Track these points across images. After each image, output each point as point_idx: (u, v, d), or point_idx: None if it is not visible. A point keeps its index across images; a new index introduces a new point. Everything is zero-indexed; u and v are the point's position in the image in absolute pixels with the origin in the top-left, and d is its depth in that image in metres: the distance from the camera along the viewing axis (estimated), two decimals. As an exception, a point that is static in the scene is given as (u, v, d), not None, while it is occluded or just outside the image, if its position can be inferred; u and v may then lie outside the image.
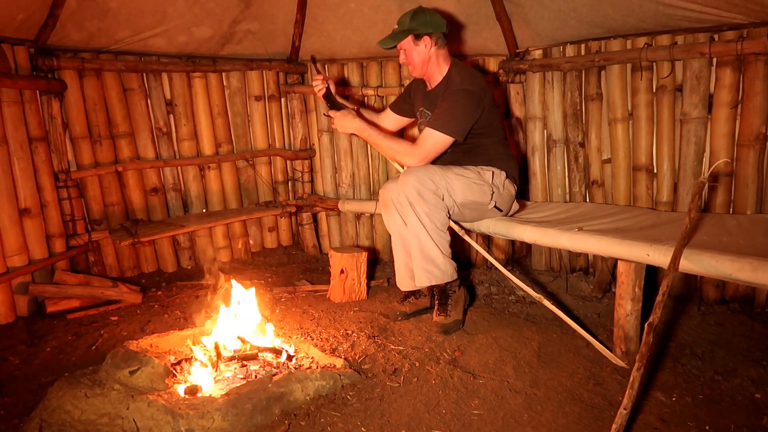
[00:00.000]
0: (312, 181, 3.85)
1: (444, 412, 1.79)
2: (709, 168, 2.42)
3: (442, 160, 2.50)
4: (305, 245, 3.91)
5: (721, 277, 1.80)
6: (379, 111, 3.05)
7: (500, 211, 2.58)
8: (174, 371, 1.97)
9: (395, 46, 2.52)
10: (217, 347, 2.04)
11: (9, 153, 2.72)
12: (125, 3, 2.90)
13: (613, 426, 1.53)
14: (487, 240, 3.49)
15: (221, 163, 3.64)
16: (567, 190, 3.24)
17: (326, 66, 3.66)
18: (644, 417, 1.73)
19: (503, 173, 2.55)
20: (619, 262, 2.11)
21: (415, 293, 2.66)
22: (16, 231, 2.75)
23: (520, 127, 3.40)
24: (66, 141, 3.07)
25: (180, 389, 1.83)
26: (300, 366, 2.05)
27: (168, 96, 3.43)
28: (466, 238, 2.55)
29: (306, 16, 3.40)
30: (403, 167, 2.56)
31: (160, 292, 3.13)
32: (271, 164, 3.86)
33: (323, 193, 3.83)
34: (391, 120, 2.92)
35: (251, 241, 3.84)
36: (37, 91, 2.90)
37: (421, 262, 2.39)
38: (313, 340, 2.38)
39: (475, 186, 2.45)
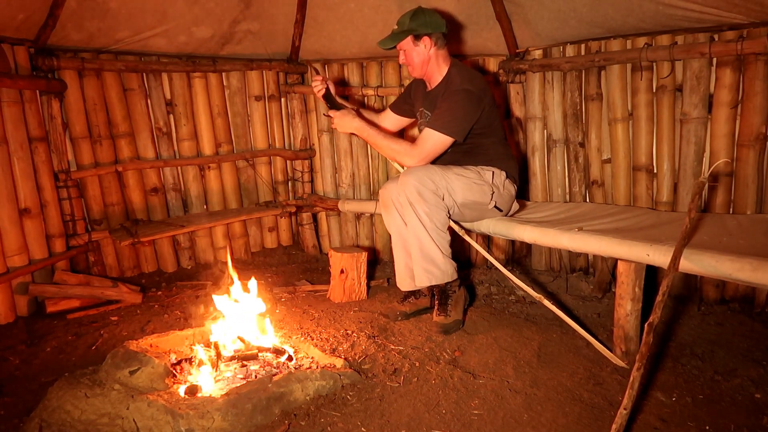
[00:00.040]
0: (312, 181, 3.85)
1: (444, 412, 1.79)
2: (709, 168, 2.43)
3: (442, 160, 2.50)
4: (305, 245, 3.91)
5: (721, 277, 1.81)
6: (379, 111, 3.05)
7: (500, 211, 2.58)
8: (174, 371, 1.97)
9: (395, 47, 2.51)
10: (217, 347, 2.04)
11: (9, 153, 2.72)
12: (125, 3, 2.90)
13: (613, 426, 1.53)
14: (487, 240, 3.49)
15: (221, 163, 3.64)
16: (567, 190, 3.24)
17: (326, 66, 3.66)
18: (644, 417, 1.73)
19: (503, 173, 2.55)
20: (619, 262, 2.11)
21: (415, 293, 2.66)
22: (16, 231, 2.75)
23: (520, 127, 3.40)
24: (66, 141, 3.07)
25: (180, 389, 1.84)
26: (300, 366, 2.05)
27: (168, 96, 3.43)
28: (466, 238, 2.55)
29: (306, 16, 3.40)
30: (403, 167, 2.56)
31: (160, 292, 3.13)
32: (271, 164, 3.86)
33: (323, 193, 3.83)
34: (391, 120, 2.92)
35: (251, 241, 3.84)
36: (37, 91, 2.90)
37: (421, 262, 2.39)
38: (313, 340, 2.38)
39: (476, 186, 2.45)
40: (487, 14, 3.17)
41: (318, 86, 2.65)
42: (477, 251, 3.15)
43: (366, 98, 3.62)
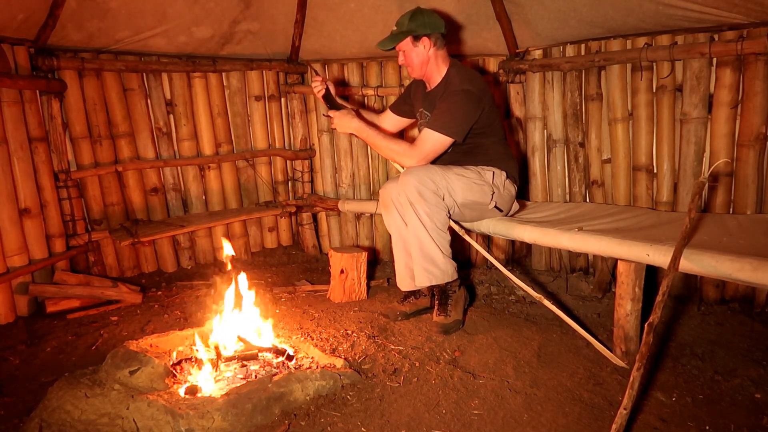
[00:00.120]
0: (312, 181, 3.85)
1: (444, 412, 1.79)
2: (709, 168, 2.43)
3: (442, 160, 2.50)
4: (305, 245, 3.91)
5: (721, 277, 1.81)
6: (379, 112, 3.05)
7: (500, 211, 2.58)
8: (174, 371, 1.97)
9: (394, 48, 2.51)
10: (217, 347, 2.04)
11: (9, 153, 2.72)
12: (125, 3, 2.90)
13: (613, 426, 1.53)
14: (487, 240, 3.49)
15: (221, 163, 3.64)
16: (567, 190, 3.24)
17: (326, 66, 3.66)
18: (644, 417, 1.73)
19: (503, 173, 2.55)
20: (619, 262, 2.11)
21: (415, 293, 2.66)
22: (16, 231, 2.75)
23: (520, 127, 3.40)
24: (66, 141, 3.07)
25: (180, 389, 1.83)
26: (300, 366, 2.05)
27: (168, 96, 3.43)
28: (467, 238, 2.55)
29: (306, 16, 3.40)
30: (402, 167, 2.56)
31: (160, 292, 3.12)
32: (271, 164, 3.86)
33: (323, 193, 3.83)
34: (391, 121, 2.92)
35: (251, 241, 3.84)
36: (37, 91, 2.90)
37: (421, 262, 2.39)
38: (313, 340, 2.38)
39: (476, 186, 2.45)
40: (487, 14, 3.17)
41: (318, 87, 2.65)
42: (477, 251, 3.15)
43: (366, 98, 3.62)
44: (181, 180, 3.56)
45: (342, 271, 2.86)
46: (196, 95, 3.49)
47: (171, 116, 3.46)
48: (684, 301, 2.69)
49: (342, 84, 3.60)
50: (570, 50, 3.09)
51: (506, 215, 2.65)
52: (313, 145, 3.81)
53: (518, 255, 3.52)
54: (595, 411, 1.77)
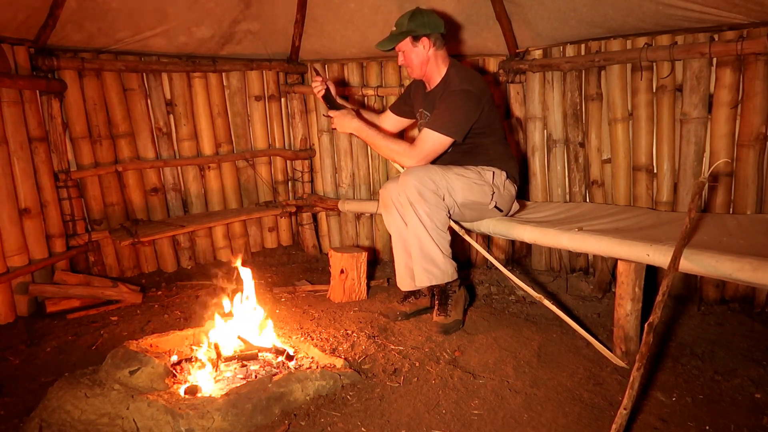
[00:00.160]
0: (312, 181, 3.85)
1: (444, 412, 1.79)
2: (709, 168, 2.43)
3: (442, 160, 2.50)
4: (305, 245, 3.91)
5: (721, 277, 1.81)
6: (379, 112, 3.05)
7: (500, 211, 2.58)
8: (174, 371, 1.97)
9: (393, 49, 2.51)
10: (217, 347, 2.04)
11: (9, 153, 2.72)
12: (125, 3, 2.90)
13: (613, 426, 1.53)
14: (487, 240, 3.49)
15: (221, 163, 3.64)
16: (567, 190, 3.24)
17: (326, 66, 3.66)
18: (644, 417, 1.73)
19: (504, 173, 2.55)
20: (619, 262, 2.11)
21: (415, 293, 2.66)
22: (16, 231, 2.75)
23: (520, 127, 3.40)
24: (66, 141, 3.07)
25: (180, 389, 1.83)
26: (300, 366, 2.05)
27: (168, 96, 3.43)
28: (467, 238, 2.55)
29: (306, 16, 3.40)
30: (402, 167, 2.56)
31: (160, 292, 3.12)
32: (271, 164, 3.86)
33: (323, 193, 3.83)
34: (391, 121, 2.92)
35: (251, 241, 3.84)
36: (37, 91, 2.90)
37: (421, 262, 2.39)
38: (313, 340, 2.38)
39: (476, 186, 2.45)
40: (487, 14, 3.16)
41: (318, 87, 2.65)
42: (477, 251, 3.15)
43: (366, 98, 3.62)
44: (181, 180, 3.56)
45: (342, 271, 2.86)
46: (196, 95, 3.49)
47: (171, 116, 3.46)
48: (684, 301, 2.69)
49: (342, 84, 3.60)
50: (570, 50, 3.09)
51: (506, 215, 2.65)
52: (313, 145, 3.81)
53: (518, 255, 3.52)
54: (595, 411, 1.77)
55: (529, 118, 3.31)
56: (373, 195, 3.73)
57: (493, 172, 2.52)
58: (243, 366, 2.03)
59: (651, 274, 2.38)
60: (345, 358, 2.13)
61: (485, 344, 2.27)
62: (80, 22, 2.90)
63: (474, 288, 3.04)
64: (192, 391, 1.81)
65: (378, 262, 3.67)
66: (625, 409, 1.54)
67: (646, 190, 2.89)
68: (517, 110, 3.38)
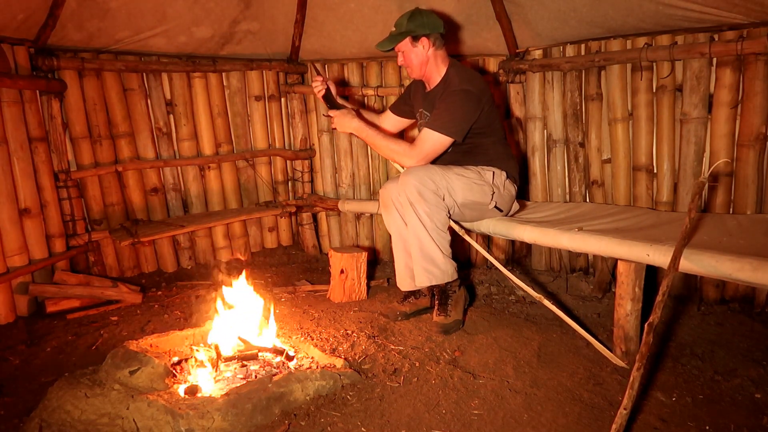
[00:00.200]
0: (312, 181, 3.85)
1: (444, 412, 1.79)
2: (709, 168, 2.43)
3: (442, 160, 2.50)
4: (305, 245, 3.91)
5: (721, 277, 1.81)
6: (379, 112, 3.05)
7: (500, 211, 2.58)
8: (174, 371, 1.97)
9: (393, 49, 2.51)
10: (217, 347, 2.04)
11: (9, 153, 2.72)
12: (125, 3, 2.90)
13: (613, 426, 1.53)
14: (487, 240, 3.49)
15: (221, 163, 3.64)
16: (567, 190, 3.24)
17: (326, 66, 3.66)
18: (644, 417, 1.73)
19: (504, 173, 2.55)
20: (619, 262, 2.11)
21: (415, 293, 2.66)
22: (16, 231, 2.75)
23: (520, 127, 3.40)
24: (66, 141, 3.07)
25: (180, 389, 1.83)
26: (300, 366, 2.05)
27: (168, 96, 3.43)
28: (467, 238, 2.55)
29: (306, 16, 3.40)
30: (402, 167, 2.56)
31: (160, 292, 3.13)
32: (271, 164, 3.86)
33: (323, 193, 3.83)
34: (391, 121, 2.92)
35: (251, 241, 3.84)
36: (37, 91, 2.90)
37: (421, 262, 2.39)
38: (313, 340, 2.38)
39: (476, 186, 2.45)
40: (487, 14, 3.16)
41: (318, 86, 2.65)
42: (477, 251, 3.15)
43: (366, 98, 3.62)
44: (181, 180, 3.56)
45: (342, 271, 2.86)
46: (196, 95, 3.49)
47: (171, 116, 3.46)
48: (684, 301, 2.69)
49: (342, 84, 3.60)
50: (570, 50, 3.09)
51: (506, 215, 2.65)
52: (313, 145, 3.81)
53: (518, 255, 3.52)
54: (595, 411, 1.77)
55: (529, 118, 3.31)
56: (373, 195, 3.73)
57: (493, 172, 2.52)
58: (243, 366, 2.03)
59: (651, 274, 2.38)
60: (345, 358, 2.13)
61: (485, 344, 2.27)
62: (80, 22, 2.90)
63: (474, 288, 3.04)
64: (192, 391, 1.81)
65: (378, 262, 3.67)
66: (625, 409, 1.54)
67: (646, 190, 2.89)
68: (517, 110, 3.38)
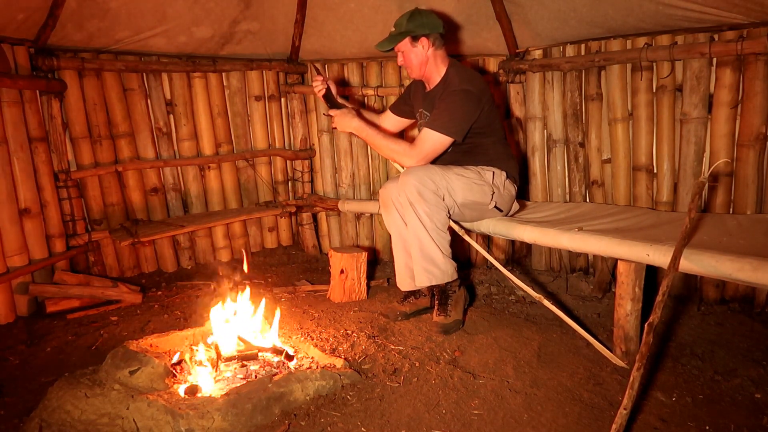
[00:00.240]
0: (312, 181, 3.85)
1: (444, 412, 1.79)
2: (709, 168, 2.43)
3: (442, 160, 2.50)
4: (305, 245, 3.91)
5: (721, 277, 1.80)
6: (379, 112, 3.05)
7: (500, 211, 2.58)
8: (174, 371, 1.97)
9: (393, 49, 2.51)
10: (217, 347, 2.04)
11: (9, 153, 2.72)
12: (125, 3, 2.90)
13: (613, 426, 1.53)
14: (487, 240, 3.49)
15: (221, 163, 3.64)
16: (567, 190, 3.24)
17: (326, 66, 3.66)
18: (644, 417, 1.73)
19: (503, 173, 2.55)
20: (619, 262, 2.11)
21: (415, 293, 2.66)
22: (16, 231, 2.75)
23: (520, 127, 3.40)
24: (66, 141, 3.07)
25: (180, 389, 1.83)
26: (300, 366, 2.05)
27: (168, 96, 3.43)
28: (466, 238, 2.55)
29: (306, 16, 3.40)
30: (402, 167, 2.56)
31: (160, 292, 3.13)
32: (271, 164, 3.86)
33: (323, 193, 3.83)
34: (391, 121, 2.92)
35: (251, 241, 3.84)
36: (37, 91, 2.90)
37: (421, 262, 2.39)
38: (313, 340, 2.38)
39: (476, 186, 2.45)
40: (487, 14, 3.17)
41: (319, 86, 2.65)
42: (477, 251, 3.15)
43: (366, 98, 3.62)
44: (181, 180, 3.56)
45: (342, 271, 2.86)
46: (196, 95, 3.49)
47: (171, 116, 3.46)
48: (684, 301, 2.69)
49: (342, 84, 3.60)
50: (570, 50, 3.09)
51: (506, 215, 2.65)
52: (313, 145, 3.81)
53: (518, 255, 3.52)
54: (595, 411, 1.77)
55: (529, 118, 3.31)
56: (373, 195, 3.73)
57: (493, 172, 2.52)
58: (243, 366, 2.03)
59: (651, 274, 2.38)
60: (345, 358, 2.13)
61: (485, 344, 2.27)
62: (80, 22, 2.90)
63: (474, 288, 3.04)
64: (192, 391, 1.81)
65: (378, 262, 3.67)
66: (625, 409, 1.54)
67: (646, 190, 2.89)
68: (517, 110, 3.38)
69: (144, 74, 3.32)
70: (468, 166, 2.50)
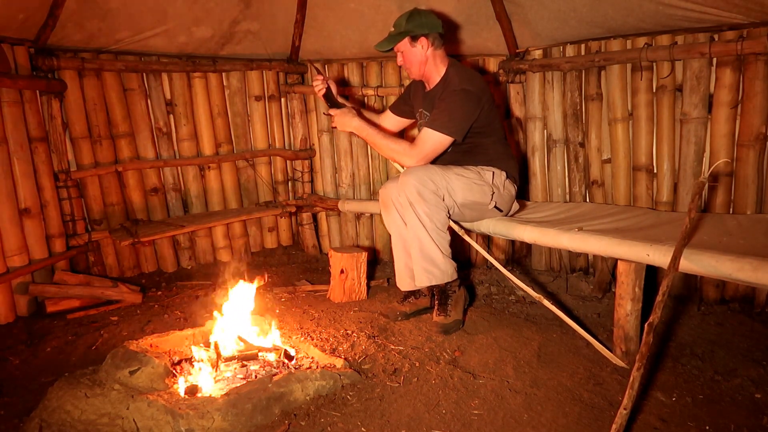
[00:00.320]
0: (312, 181, 3.85)
1: (444, 412, 1.79)
2: (709, 168, 2.42)
3: (441, 160, 2.50)
4: (305, 245, 3.91)
5: (721, 277, 1.80)
6: (379, 112, 3.05)
7: (500, 211, 2.58)
8: (174, 371, 1.97)
9: (392, 49, 2.52)
10: (217, 347, 2.04)
11: (9, 153, 2.72)
12: (125, 3, 2.90)
13: (613, 426, 1.53)
14: (487, 240, 3.49)
15: (221, 163, 3.64)
16: (567, 190, 3.24)
17: (326, 66, 3.66)
18: (644, 417, 1.73)
19: (503, 173, 2.55)
20: (619, 262, 2.11)
21: (415, 293, 2.66)
22: (16, 231, 2.75)
23: (520, 127, 3.40)
24: (66, 141, 3.07)
25: (180, 389, 1.83)
26: (300, 366, 2.05)
27: (168, 96, 3.43)
28: (466, 238, 2.55)
29: (306, 16, 3.40)
30: (402, 167, 2.56)
31: (160, 292, 3.12)
32: (271, 164, 3.85)
33: (323, 193, 3.83)
34: (391, 121, 2.92)
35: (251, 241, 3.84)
36: (37, 91, 2.90)
37: (421, 262, 2.39)
38: (313, 340, 2.38)
39: (476, 186, 2.45)
40: (487, 14, 3.17)
41: (319, 85, 2.65)
42: (477, 251, 3.15)
43: (366, 98, 3.62)
44: (181, 180, 3.56)
45: (342, 271, 2.86)
46: (196, 95, 3.49)
47: (171, 116, 3.46)
48: (684, 301, 2.69)
49: (342, 84, 3.60)
50: (570, 50, 3.09)
51: (506, 215, 2.65)
52: (313, 145, 3.81)
53: (518, 255, 3.52)
54: (595, 411, 1.77)
55: (529, 118, 3.31)
56: (373, 195, 3.73)
57: (493, 172, 2.52)
58: (243, 366, 2.03)
59: (651, 274, 2.38)
60: (345, 358, 2.13)
61: (485, 344, 2.27)
62: (80, 22, 2.90)
63: (474, 288, 3.04)
64: (192, 391, 1.81)
65: (378, 262, 3.67)
66: (625, 409, 1.54)
67: (646, 190, 2.89)
68: (517, 110, 3.38)
69: (144, 74, 3.32)
70: (468, 166, 2.50)
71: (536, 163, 3.30)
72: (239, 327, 2.20)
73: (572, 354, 2.17)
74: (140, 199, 3.39)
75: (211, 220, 3.42)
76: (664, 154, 2.80)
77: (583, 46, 3.03)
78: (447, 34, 2.52)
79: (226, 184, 3.69)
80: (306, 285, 3.18)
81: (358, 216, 3.77)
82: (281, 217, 3.90)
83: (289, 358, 2.08)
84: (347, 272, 2.86)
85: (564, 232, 2.29)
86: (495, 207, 2.53)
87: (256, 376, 1.95)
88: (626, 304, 2.08)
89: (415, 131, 3.33)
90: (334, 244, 3.87)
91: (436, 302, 2.50)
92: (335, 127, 2.65)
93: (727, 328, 2.40)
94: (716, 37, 2.56)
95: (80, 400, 1.72)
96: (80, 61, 3.01)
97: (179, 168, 3.53)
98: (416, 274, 2.43)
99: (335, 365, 2.02)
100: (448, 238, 2.44)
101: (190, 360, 2.05)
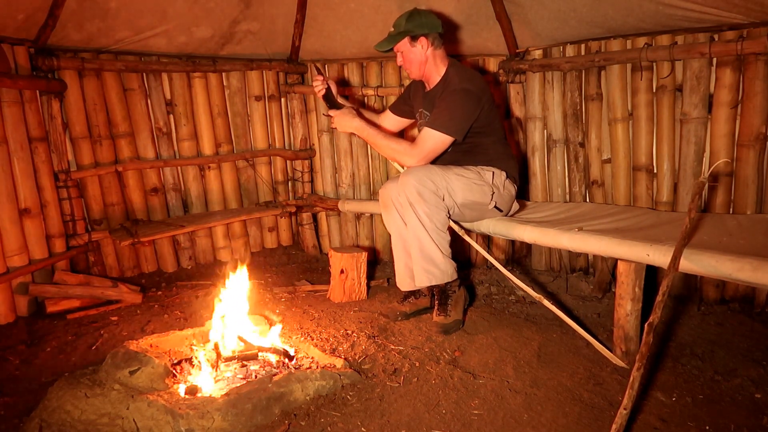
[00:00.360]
0: (312, 181, 3.85)
1: (444, 412, 1.79)
2: (709, 168, 2.42)
3: (442, 159, 2.50)
4: (305, 245, 3.91)
5: (721, 277, 1.80)
6: (379, 112, 3.05)
7: (500, 211, 2.58)
8: (174, 371, 1.97)
9: (392, 49, 2.52)
10: (217, 347, 2.04)
11: (9, 153, 2.72)
12: (125, 3, 2.90)
13: (613, 426, 1.53)
14: (487, 240, 3.49)
15: (221, 163, 3.64)
16: (567, 190, 3.24)
17: (326, 66, 3.66)
18: (644, 417, 1.73)
19: (503, 173, 2.55)
20: (619, 262, 2.11)
21: (415, 293, 2.66)
22: (16, 231, 2.75)
23: (520, 127, 3.40)
24: (66, 141, 3.07)
25: (180, 389, 1.84)
26: (300, 366, 2.05)
27: (168, 96, 3.43)
28: (466, 238, 2.55)
29: (306, 16, 3.40)
30: (402, 167, 2.56)
31: (160, 292, 3.12)
32: (271, 164, 3.85)
33: (323, 193, 3.83)
34: (391, 121, 2.92)
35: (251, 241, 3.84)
36: (37, 91, 2.90)
37: (421, 262, 2.39)
38: (313, 340, 2.38)
39: (476, 186, 2.45)
40: (487, 14, 3.17)
41: (319, 86, 2.65)
42: (477, 251, 3.15)
43: (366, 98, 3.62)
44: (181, 180, 3.56)
45: (342, 271, 2.86)
46: (196, 95, 3.49)
47: (171, 116, 3.46)
48: (684, 301, 2.69)
49: (342, 84, 3.60)
50: (570, 50, 3.09)
51: (506, 215, 2.65)
52: (313, 145, 3.81)
53: (518, 255, 3.52)
54: (595, 411, 1.77)
55: (529, 118, 3.31)
56: (373, 195, 3.73)
57: (493, 172, 2.52)
58: (243, 366, 2.03)
59: (651, 274, 2.38)
60: (345, 358, 2.14)
61: (485, 344, 2.27)
62: (80, 22, 2.90)
63: (474, 288, 3.04)
64: (192, 391, 1.81)
65: (378, 262, 3.67)
66: (625, 409, 1.54)
67: (646, 190, 2.89)
68: (517, 110, 3.38)
69: (144, 74, 3.32)
70: (468, 166, 2.50)
71: (536, 163, 3.30)
72: (239, 327, 2.20)
73: (572, 354, 2.17)
74: (140, 199, 3.39)
75: (211, 220, 3.42)
76: (664, 154, 2.80)
77: (583, 46, 3.03)
78: (447, 34, 2.52)
79: (226, 184, 3.69)
80: (306, 285, 3.18)
81: (358, 216, 3.77)
82: (281, 217, 3.90)
83: (289, 358, 2.08)
84: (347, 272, 2.86)
85: (564, 232, 2.29)
86: (495, 207, 2.53)
87: (256, 376, 1.96)
88: (626, 304, 2.08)
89: (415, 131, 3.33)
90: (334, 244, 3.87)
91: (436, 302, 2.50)
92: (335, 128, 2.65)
93: (727, 328, 2.40)
94: (716, 37, 2.56)
95: (80, 400, 1.72)
96: (80, 61, 3.01)
97: (179, 168, 3.53)
98: (416, 274, 2.43)
99: (335, 365, 2.02)
100: (448, 238, 2.44)
101: (190, 360, 2.05)
